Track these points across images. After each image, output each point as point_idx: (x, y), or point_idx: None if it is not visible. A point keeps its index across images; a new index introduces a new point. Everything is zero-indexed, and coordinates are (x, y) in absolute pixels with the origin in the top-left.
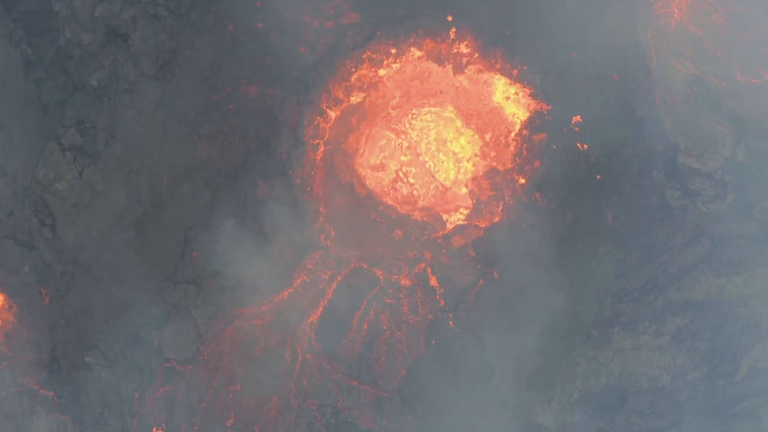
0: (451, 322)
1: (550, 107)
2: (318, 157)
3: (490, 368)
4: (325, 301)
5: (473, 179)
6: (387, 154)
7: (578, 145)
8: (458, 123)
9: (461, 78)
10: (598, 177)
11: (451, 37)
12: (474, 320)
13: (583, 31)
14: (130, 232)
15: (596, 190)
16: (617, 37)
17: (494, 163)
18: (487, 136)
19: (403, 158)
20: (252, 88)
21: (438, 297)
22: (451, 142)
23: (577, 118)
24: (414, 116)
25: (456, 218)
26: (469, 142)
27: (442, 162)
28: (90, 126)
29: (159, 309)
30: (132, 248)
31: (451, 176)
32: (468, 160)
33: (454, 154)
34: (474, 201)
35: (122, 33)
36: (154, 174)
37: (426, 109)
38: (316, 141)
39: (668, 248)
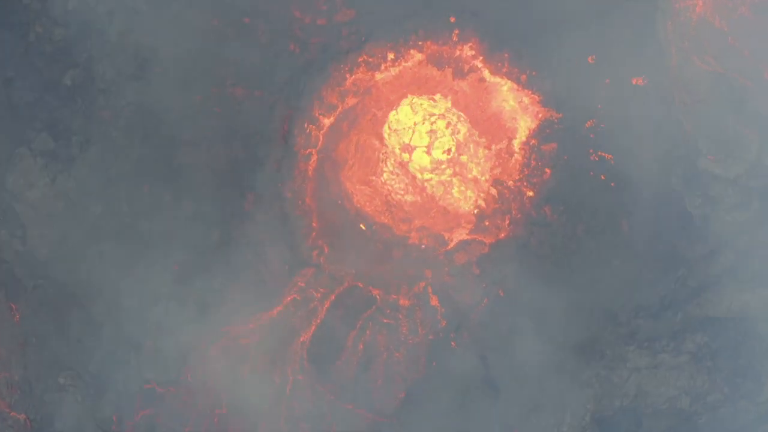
0: (453, 343)
1: (560, 115)
2: (310, 168)
3: (495, 390)
4: (318, 321)
5: (477, 193)
6: (379, 166)
7: (591, 152)
8: (460, 132)
9: (463, 83)
10: (612, 184)
11: (454, 39)
12: (478, 340)
13: (598, 28)
14: (107, 245)
15: (610, 200)
16: (634, 33)
17: (499, 175)
18: (492, 146)
19: (397, 171)
20: (238, 90)
21: (439, 317)
22: (451, 151)
23: (589, 123)
24: (410, 124)
25: (458, 234)
26: (471, 152)
27: (441, 174)
28: (63, 129)
29: (138, 327)
30: (109, 262)
31: (453, 191)
32: (470, 172)
33: (455, 165)
34: (478, 216)
35: (98, 28)
36: (133, 182)
37: (424, 115)
38: (308, 150)
39: (688, 260)
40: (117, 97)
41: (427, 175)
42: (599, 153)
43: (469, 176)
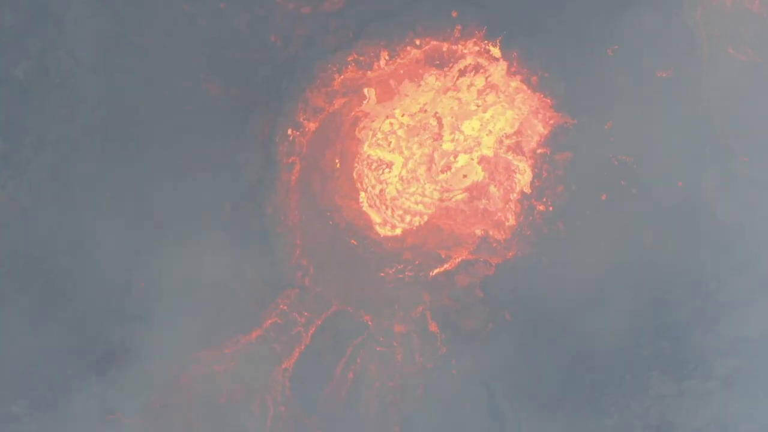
0: (454, 371)
1: (575, 121)
2: (293, 179)
3: (501, 422)
4: (302, 347)
5: (480, 206)
6: (371, 177)
7: (610, 156)
8: (462, 139)
9: (466, 85)
10: (634, 191)
11: (456, 36)
12: (482, 368)
13: (618, 16)
14: (64, 258)
15: (632, 209)
16: (658, 20)
17: (506, 188)
18: (498, 154)
19: (391, 181)
20: (212, 86)
21: (439, 344)
22: (451, 161)
23: (609, 125)
24: (406, 129)
25: (459, 253)
26: (474, 162)
27: (440, 185)
28: (15, 129)
29: (100, 350)
30: (67, 277)
31: (453, 199)
32: (472, 184)
33: (455, 175)
34: (482, 233)
35: (53, 13)
36: (94, 188)
37: (421, 118)
38: (291, 159)
39: (718, 274)
40: (75, 92)
41: (427, 188)
42: (620, 157)
43: (470, 185)
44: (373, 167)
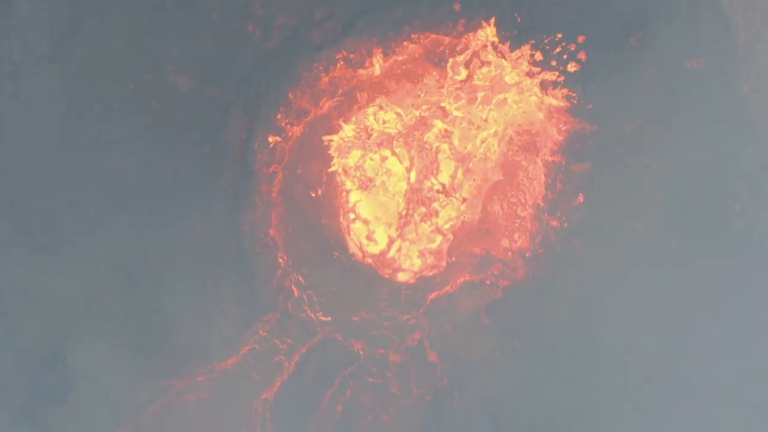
0: (456, 402)
1: (594, 128)
2: (274, 191)
3: None
4: (284, 376)
5: (486, 222)
6: (361, 195)
7: (632, 162)
8: (464, 146)
9: (471, 84)
10: (660, 199)
11: (459, 30)
12: (488, 400)
13: (641, 3)
14: (16, 273)
15: (658, 220)
16: (688, 3)
17: (515, 201)
18: (507, 164)
19: (383, 197)
20: (182, 80)
21: (439, 374)
22: (451, 172)
23: (631, 127)
24: (402, 136)
25: (462, 273)
26: (480, 171)
27: (439, 198)
28: None
29: (57, 376)
30: (20, 295)
31: (452, 215)
32: (476, 197)
33: (455, 189)
34: (483, 252)
35: None
36: (49, 194)
37: (417, 124)
38: (272, 168)
39: (755, 287)
40: (27, 84)
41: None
42: (644, 161)
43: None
44: (369, 177)
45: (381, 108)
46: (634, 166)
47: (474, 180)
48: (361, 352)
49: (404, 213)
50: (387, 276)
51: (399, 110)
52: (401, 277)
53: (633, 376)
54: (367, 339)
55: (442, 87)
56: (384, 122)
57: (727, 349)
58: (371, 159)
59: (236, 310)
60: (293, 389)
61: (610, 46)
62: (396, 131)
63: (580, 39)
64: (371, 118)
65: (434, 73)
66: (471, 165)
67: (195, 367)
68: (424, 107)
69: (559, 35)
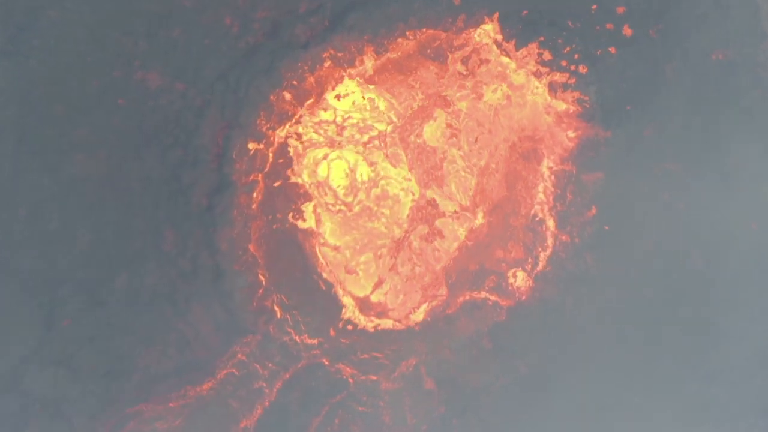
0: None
1: (608, 134)
2: (254, 203)
3: None
4: (266, 403)
5: (489, 236)
6: (354, 198)
7: (652, 167)
8: (464, 149)
9: (470, 85)
10: (681, 206)
11: (459, 26)
12: (489, 429)
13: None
14: None
15: (678, 230)
16: None
17: (518, 213)
18: (512, 170)
19: (377, 205)
20: (152, 77)
21: (436, 402)
22: (450, 180)
23: (648, 131)
24: (398, 140)
25: (459, 292)
26: (479, 179)
27: (438, 208)
28: None
29: (16, 402)
30: None
31: (455, 232)
32: (477, 207)
33: (454, 198)
34: (486, 268)
35: None
36: (6, 201)
37: (424, 132)
38: (252, 177)
39: None
40: None
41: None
42: (664, 165)
43: (476, 219)
44: (359, 187)
45: (366, 93)
46: (654, 171)
47: (481, 191)
48: (350, 379)
49: (400, 238)
50: (371, 319)
51: (392, 99)
52: (386, 324)
53: (656, 387)
54: (357, 364)
55: (442, 78)
56: (375, 107)
57: (753, 372)
58: (361, 169)
59: (212, 332)
60: (275, 418)
61: (626, 39)
62: (388, 125)
63: (594, 32)
64: (359, 98)
65: (432, 67)
66: (477, 176)
67: (166, 392)
68: (420, 96)
69: (571, 31)
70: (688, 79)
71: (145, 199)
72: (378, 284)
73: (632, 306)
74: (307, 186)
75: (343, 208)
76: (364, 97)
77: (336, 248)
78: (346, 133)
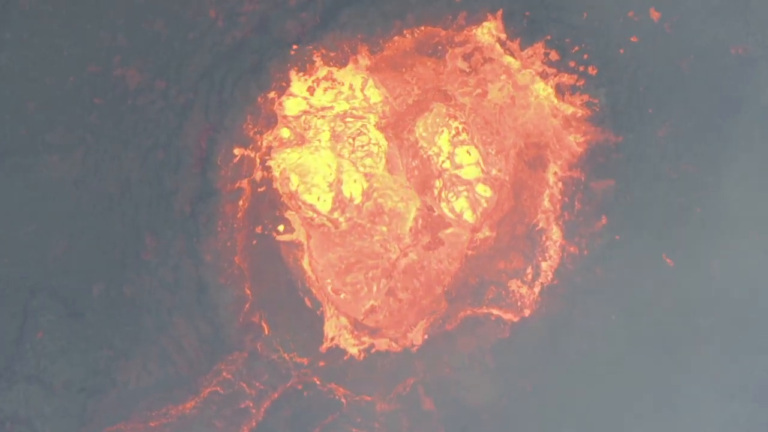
0: None
1: (620, 139)
2: (240, 212)
3: None
4: (253, 424)
5: (493, 249)
6: (348, 208)
7: (667, 170)
8: (470, 155)
9: (471, 84)
10: (698, 210)
11: (460, 23)
12: None
13: None
14: None
15: (696, 237)
16: None
17: (525, 224)
18: (512, 176)
19: (370, 214)
20: (131, 73)
21: (435, 423)
22: (449, 186)
23: (662, 131)
24: (391, 126)
25: (461, 307)
26: (482, 186)
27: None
28: None
29: None
30: None
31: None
32: (479, 217)
33: (453, 207)
34: (488, 281)
35: None
36: None
37: (417, 127)
38: (238, 184)
39: None
40: None
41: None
42: (682, 167)
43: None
44: (351, 196)
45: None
46: (669, 174)
47: (487, 199)
48: (343, 399)
49: (397, 257)
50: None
51: (386, 93)
52: (381, 344)
53: (673, 409)
54: (350, 384)
55: (441, 74)
56: (366, 98)
57: None
58: (348, 179)
59: (196, 348)
60: None
61: (638, 35)
62: (380, 118)
63: (605, 28)
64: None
65: (429, 63)
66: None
67: (147, 410)
68: (416, 92)
69: (580, 29)
70: (705, 75)
71: (124, 204)
72: (371, 310)
73: (645, 321)
74: (289, 196)
75: (327, 223)
76: (352, 88)
77: (325, 264)
78: (323, 135)
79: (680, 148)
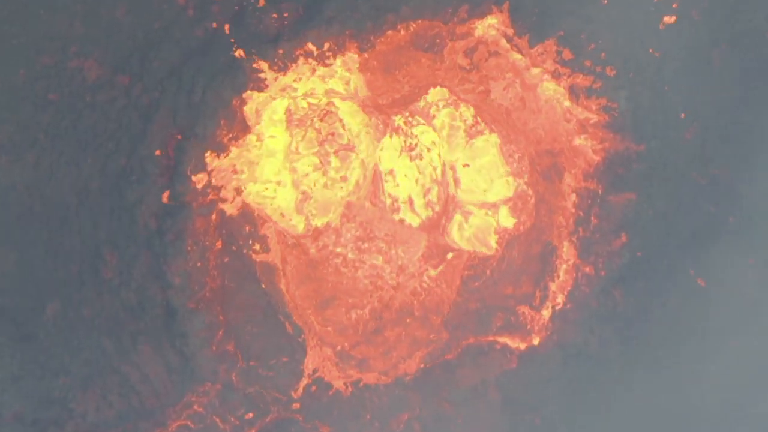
0: None
1: (642, 147)
2: (212, 228)
3: None
4: None
5: (497, 271)
6: (336, 221)
7: (693, 176)
8: (473, 161)
9: (477, 78)
10: (731, 220)
11: (462, 17)
12: None
13: None
14: None
15: (728, 249)
16: None
17: (539, 242)
18: (522, 187)
19: (360, 227)
20: (89, 65)
21: None
22: (452, 194)
23: (689, 133)
24: (377, 147)
25: (462, 334)
26: (488, 197)
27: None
28: None
29: None
30: None
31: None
32: (484, 234)
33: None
34: (493, 306)
35: None
36: None
37: (417, 129)
38: (210, 197)
39: None
40: None
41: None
42: (711, 171)
43: (483, 242)
44: (338, 207)
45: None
46: (697, 180)
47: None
48: None
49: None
50: (364, 340)
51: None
52: (370, 378)
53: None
54: (336, 421)
55: (439, 70)
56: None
57: None
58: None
59: (163, 376)
60: None
61: (664, 26)
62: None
63: (625, 19)
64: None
65: (424, 60)
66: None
67: None
68: (407, 89)
69: (596, 22)
70: (738, 66)
71: (82, 215)
72: (357, 343)
73: (670, 350)
74: (276, 203)
75: (299, 246)
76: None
77: (302, 296)
78: (299, 142)
79: (709, 152)
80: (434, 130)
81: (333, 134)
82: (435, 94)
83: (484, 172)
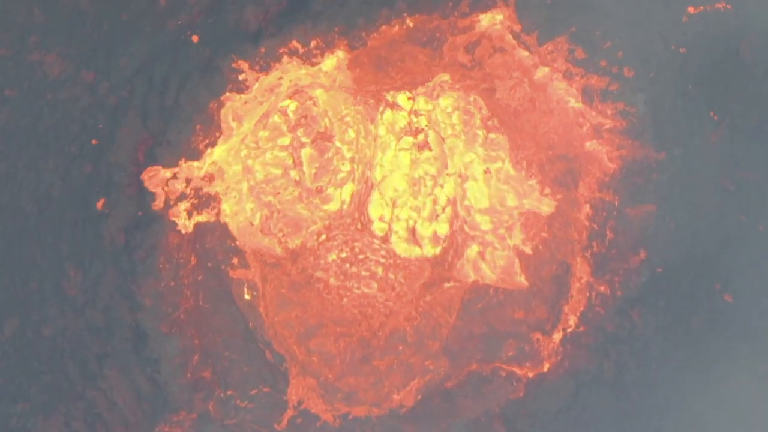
0: None
1: (663, 155)
2: (185, 242)
3: None
4: None
5: (499, 293)
6: (316, 235)
7: (720, 181)
8: (476, 168)
9: (479, 76)
10: (761, 228)
11: (463, 11)
12: None
13: None
14: None
15: (758, 269)
16: None
17: (555, 261)
18: (531, 201)
19: (349, 244)
20: (51, 60)
21: None
22: (452, 202)
23: (715, 136)
24: (372, 154)
25: (464, 360)
26: (493, 208)
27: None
28: None
29: None
30: None
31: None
32: (491, 248)
33: (460, 233)
34: (497, 330)
35: None
36: None
37: (401, 137)
38: (184, 207)
39: None
40: None
41: (402, 248)
42: (738, 175)
43: (491, 255)
44: (323, 219)
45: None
46: (724, 186)
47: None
48: None
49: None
50: (355, 363)
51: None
52: (359, 411)
53: None
54: None
55: (436, 66)
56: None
57: None
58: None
59: (132, 404)
60: None
61: (687, 18)
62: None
63: (641, 19)
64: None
65: (420, 56)
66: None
67: None
68: (398, 84)
69: (610, 18)
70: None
71: (42, 225)
72: (344, 374)
73: (693, 375)
74: (256, 214)
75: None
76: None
77: (282, 323)
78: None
79: (738, 154)
80: (444, 113)
81: (305, 117)
82: (439, 79)
83: (503, 182)
